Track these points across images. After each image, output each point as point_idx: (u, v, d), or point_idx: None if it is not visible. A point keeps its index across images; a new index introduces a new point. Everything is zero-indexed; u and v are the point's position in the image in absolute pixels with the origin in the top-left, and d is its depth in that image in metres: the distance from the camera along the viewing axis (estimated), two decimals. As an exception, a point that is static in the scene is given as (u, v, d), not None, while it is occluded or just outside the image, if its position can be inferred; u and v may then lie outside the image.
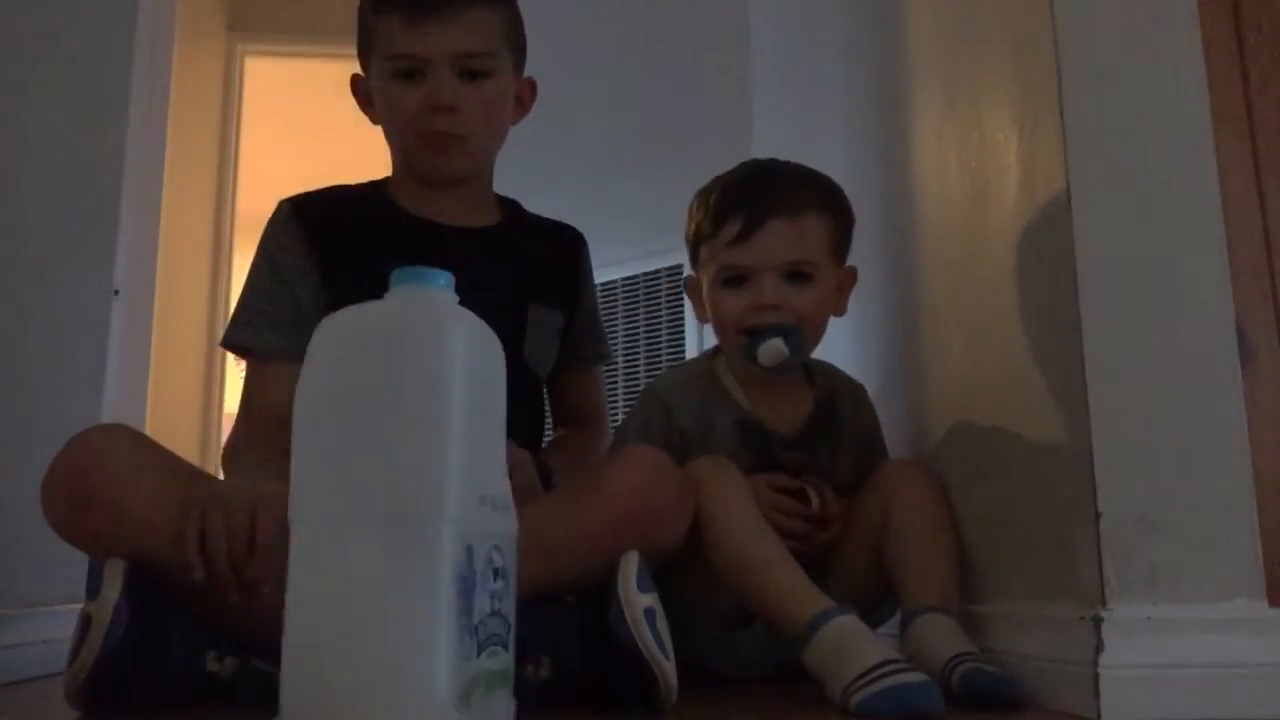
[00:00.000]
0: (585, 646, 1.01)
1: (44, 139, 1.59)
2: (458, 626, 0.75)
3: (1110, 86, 1.02)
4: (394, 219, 1.33)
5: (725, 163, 1.42)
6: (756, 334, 1.31)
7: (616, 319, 3.13)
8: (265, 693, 0.90)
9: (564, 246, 1.44)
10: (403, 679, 0.74)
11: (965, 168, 1.29)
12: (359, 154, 2.80)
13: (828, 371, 1.45)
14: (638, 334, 3.14)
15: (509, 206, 1.43)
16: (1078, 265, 0.99)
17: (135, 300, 1.78)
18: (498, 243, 1.35)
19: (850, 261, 1.39)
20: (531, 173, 1.81)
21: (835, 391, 1.43)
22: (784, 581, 1.13)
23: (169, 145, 2.07)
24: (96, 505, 1.02)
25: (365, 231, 1.31)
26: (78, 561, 1.03)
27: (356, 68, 1.36)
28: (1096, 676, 0.91)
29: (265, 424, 1.20)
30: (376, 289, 0.84)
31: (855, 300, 1.41)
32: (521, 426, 1.21)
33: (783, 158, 1.42)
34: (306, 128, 4.95)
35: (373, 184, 1.39)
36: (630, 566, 1.00)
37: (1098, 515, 0.95)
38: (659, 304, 3.10)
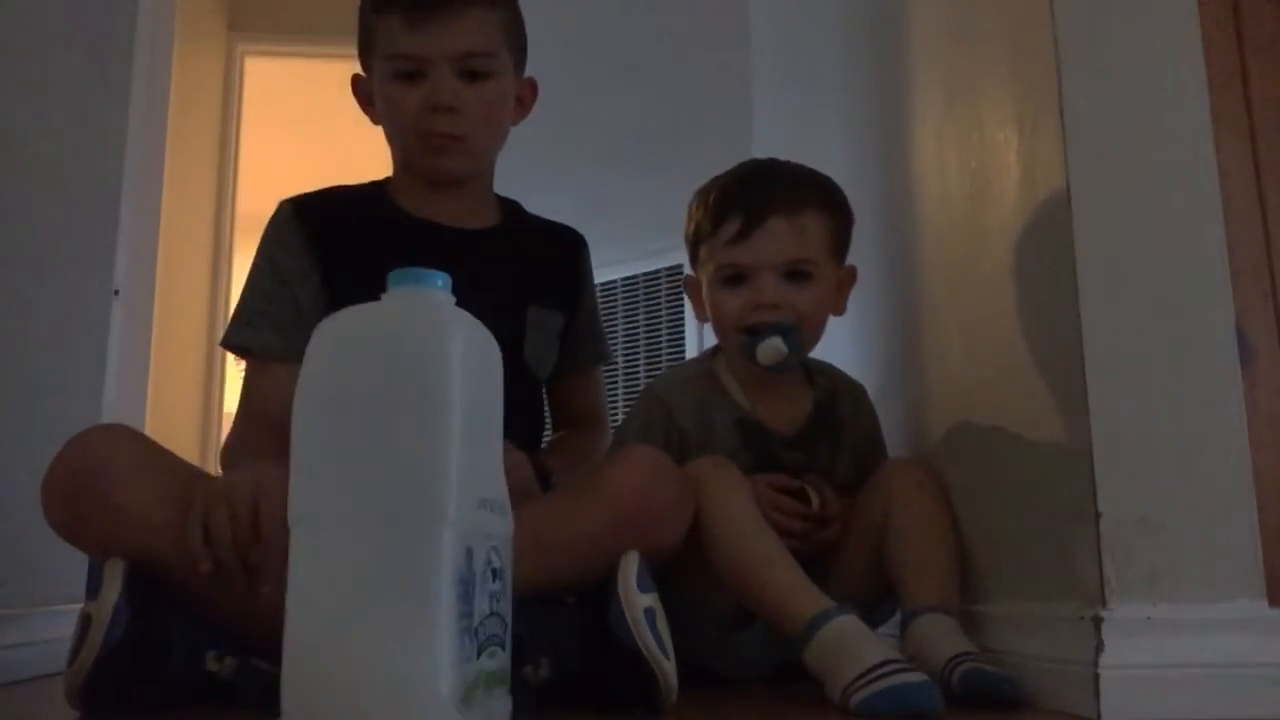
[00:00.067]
0: (585, 647, 1.01)
1: (44, 139, 1.59)
2: (458, 628, 0.75)
3: (1110, 86, 1.02)
4: (394, 220, 1.33)
5: (725, 163, 1.42)
6: (756, 333, 1.31)
7: (616, 319, 3.13)
8: (265, 693, 0.90)
9: (564, 248, 1.44)
10: (404, 680, 0.74)
11: (965, 168, 1.29)
12: (359, 154, 2.80)
13: (827, 371, 1.45)
14: (638, 334, 3.14)
15: (509, 207, 1.43)
16: (1078, 265, 0.99)
17: (135, 300, 1.78)
18: (497, 244, 1.35)
19: (850, 261, 1.39)
20: (531, 173, 1.81)
21: (835, 391, 1.43)
22: (784, 581, 1.13)
23: (169, 145, 2.07)
24: (96, 505, 1.02)
25: (365, 232, 1.31)
26: (78, 561, 1.03)
27: (357, 68, 1.36)
28: (1096, 676, 0.91)
29: (264, 424, 1.20)
30: (376, 290, 0.84)
31: (855, 300, 1.41)
32: (521, 428, 1.22)
33: (783, 158, 1.42)
34: (306, 128, 4.95)
35: (373, 184, 1.39)
36: (630, 566, 1.00)
37: (1098, 515, 0.95)
38: (659, 304, 3.10)
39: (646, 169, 3.04)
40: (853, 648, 1.02)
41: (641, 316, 3.13)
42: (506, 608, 0.82)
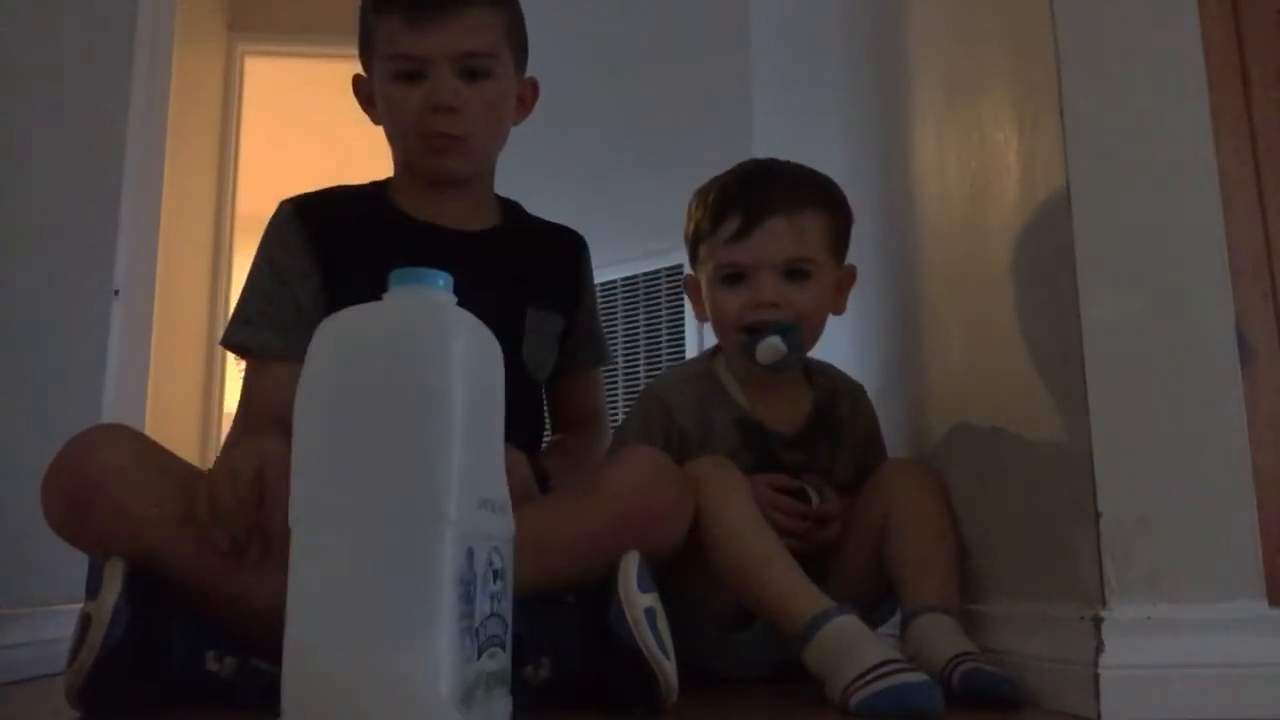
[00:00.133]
0: (585, 646, 1.01)
1: (44, 139, 1.59)
2: (459, 628, 0.75)
3: (1110, 86, 1.02)
4: (394, 221, 1.33)
5: (725, 163, 1.42)
6: (755, 332, 1.31)
7: (616, 319, 3.13)
8: (265, 693, 0.90)
9: (564, 250, 1.44)
10: (405, 680, 0.74)
11: (965, 168, 1.29)
12: (359, 154, 2.80)
13: (827, 372, 1.45)
14: (638, 334, 3.13)
15: (510, 209, 1.43)
16: (1077, 265, 0.99)
17: (135, 300, 1.78)
18: (497, 246, 1.35)
19: (850, 261, 1.39)
20: (532, 172, 1.81)
21: (835, 391, 1.43)
22: (784, 581, 1.13)
23: (169, 145, 2.07)
24: (96, 505, 1.02)
25: (365, 233, 1.31)
26: (78, 561, 1.03)
27: (357, 68, 1.36)
28: (1096, 676, 0.91)
29: (265, 424, 1.20)
30: (376, 290, 0.84)
31: (855, 300, 1.41)
32: (520, 429, 1.22)
33: (783, 158, 1.42)
34: (306, 128, 4.95)
35: (374, 185, 1.39)
36: (631, 566, 1.00)
37: (1098, 515, 0.95)
38: (659, 304, 3.10)
39: (646, 169, 3.04)
40: (853, 648, 1.02)
41: (641, 316, 3.13)
42: (507, 608, 0.82)
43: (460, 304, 0.84)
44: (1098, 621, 0.93)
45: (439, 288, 0.84)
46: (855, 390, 1.46)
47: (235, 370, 3.90)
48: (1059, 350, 1.03)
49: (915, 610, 1.16)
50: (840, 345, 1.56)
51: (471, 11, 1.26)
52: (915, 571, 1.21)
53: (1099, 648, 0.92)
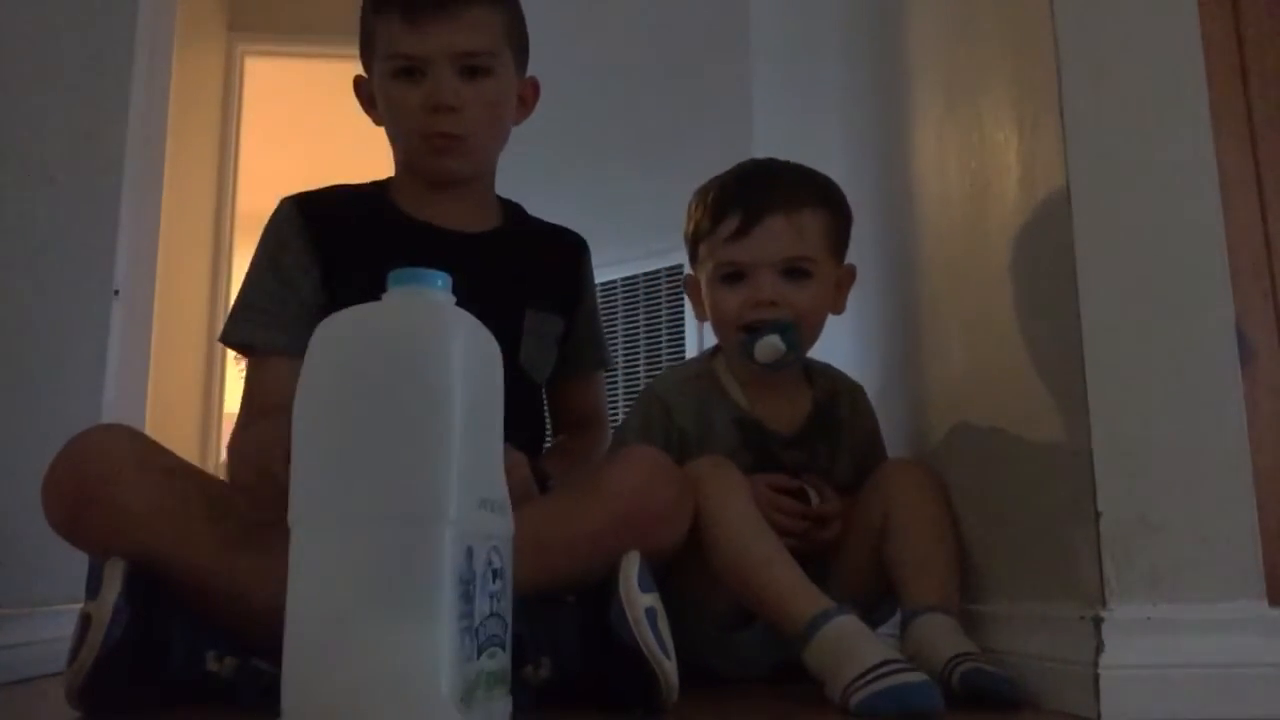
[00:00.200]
0: (586, 646, 1.01)
1: (44, 139, 1.59)
2: (459, 628, 0.75)
3: (1110, 86, 1.02)
4: (394, 221, 1.33)
5: (725, 163, 1.42)
6: (754, 330, 1.31)
7: (616, 319, 3.13)
8: (265, 693, 0.90)
9: (565, 252, 1.44)
10: (405, 680, 0.74)
11: (965, 168, 1.29)
12: (358, 154, 2.80)
13: (827, 372, 1.45)
14: (638, 334, 3.13)
15: (510, 210, 1.42)
16: (1077, 265, 0.99)
17: (135, 300, 1.78)
18: (497, 247, 1.35)
19: (850, 260, 1.40)
20: (532, 172, 1.81)
21: (834, 392, 1.43)
22: (784, 581, 1.13)
23: (169, 145, 2.07)
24: (97, 505, 1.02)
25: (366, 233, 1.31)
26: (78, 561, 1.03)
27: (356, 68, 1.36)
28: (1096, 676, 0.91)
29: (269, 417, 1.20)
30: (376, 290, 0.84)
31: (855, 300, 1.41)
32: (521, 432, 1.22)
33: (783, 158, 1.42)
34: (306, 128, 4.95)
35: (374, 184, 1.38)
36: (631, 566, 1.00)
37: (1098, 515, 0.95)
38: (659, 304, 3.10)
39: (646, 169, 3.04)
40: (853, 648, 1.02)
41: (641, 316, 3.13)
42: (507, 608, 0.82)
43: (458, 305, 0.84)
44: (1098, 621, 0.93)
45: (438, 288, 0.84)
46: (855, 390, 1.46)
47: (235, 370, 3.91)
48: (1059, 350, 1.03)
49: (915, 610, 1.16)
50: (840, 345, 1.56)
51: (471, 10, 1.26)
52: (915, 571, 1.21)
53: (1099, 648, 0.92)
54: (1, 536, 1.37)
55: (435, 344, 0.81)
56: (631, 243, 3.00)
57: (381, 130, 1.35)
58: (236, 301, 1.30)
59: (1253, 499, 0.96)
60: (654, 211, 2.57)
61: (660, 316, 3.10)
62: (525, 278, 1.35)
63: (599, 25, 3.20)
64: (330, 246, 1.29)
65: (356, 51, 1.35)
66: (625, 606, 0.98)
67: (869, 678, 0.97)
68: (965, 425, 1.30)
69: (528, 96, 1.37)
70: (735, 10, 2.70)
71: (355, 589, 0.76)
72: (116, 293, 1.67)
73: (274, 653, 0.78)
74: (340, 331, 0.84)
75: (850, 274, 1.40)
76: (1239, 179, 1.02)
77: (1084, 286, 0.99)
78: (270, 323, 1.26)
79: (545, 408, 1.45)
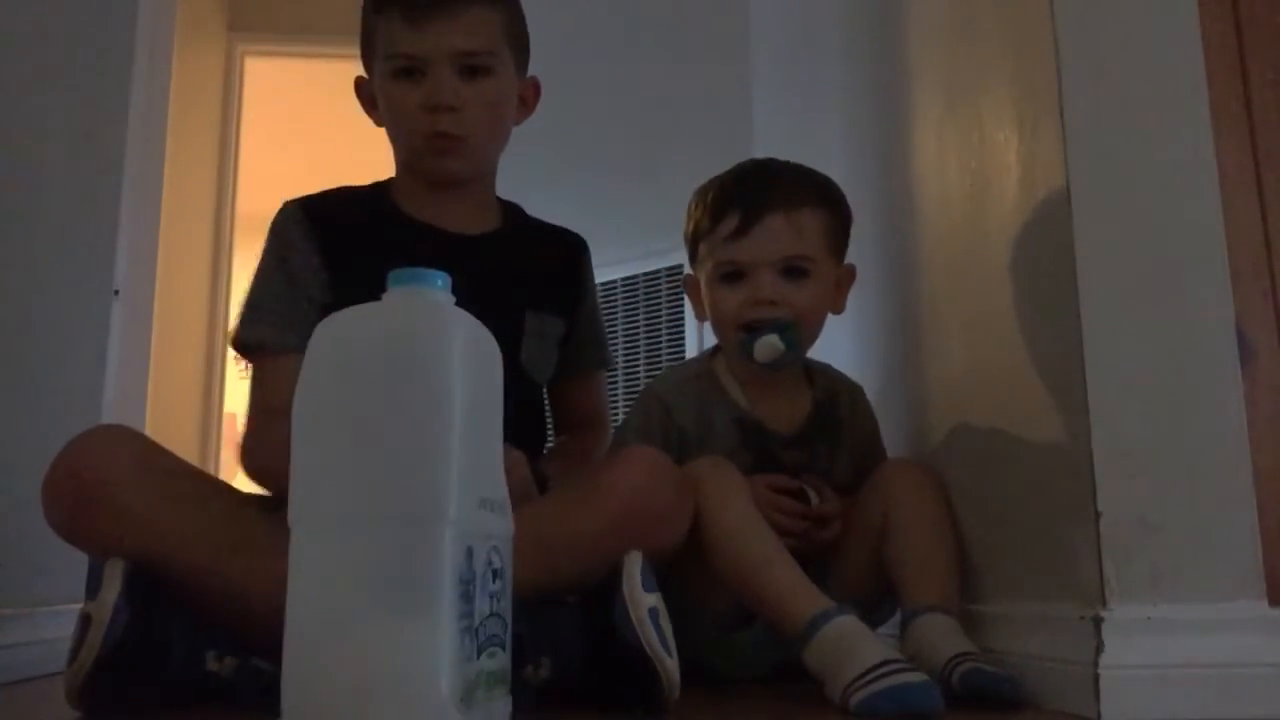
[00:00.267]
0: (587, 646, 1.01)
1: (44, 139, 1.59)
2: (459, 628, 0.75)
3: (1110, 86, 1.02)
4: (396, 222, 1.33)
5: (725, 163, 1.42)
6: (753, 330, 1.31)
7: (616, 319, 3.13)
8: (265, 693, 0.90)
9: (565, 253, 1.44)
10: (405, 680, 0.74)
11: (965, 168, 1.29)
12: (358, 154, 2.80)
13: (827, 372, 1.45)
14: (638, 334, 3.13)
15: (510, 211, 1.42)
16: (1077, 265, 0.99)
17: (135, 300, 1.78)
18: (497, 249, 1.35)
19: (850, 260, 1.40)
20: (531, 173, 1.81)
21: (834, 392, 1.43)
22: (784, 581, 1.13)
23: (169, 145, 2.07)
24: (97, 505, 1.02)
25: (368, 234, 1.31)
26: (78, 561, 1.03)
27: (357, 67, 1.36)
28: (1096, 676, 0.91)
29: (284, 417, 1.19)
30: (379, 292, 0.84)
31: (855, 299, 1.41)
32: (522, 433, 1.22)
33: (782, 158, 1.42)
34: (306, 128, 4.95)
35: (375, 186, 1.38)
36: (635, 566, 1.00)
37: (1098, 515, 0.95)
38: (659, 304, 3.10)
39: (646, 169, 3.04)
40: (853, 648, 1.02)
41: (641, 316, 3.13)
42: (507, 608, 0.82)
43: (459, 306, 0.84)
44: (1098, 621, 0.93)
45: (437, 288, 0.83)
46: (854, 391, 1.46)
47: (235, 370, 3.90)
48: (1059, 350, 1.03)
49: (915, 610, 1.16)
50: (840, 345, 1.56)
51: (471, 10, 1.26)
52: (915, 571, 1.21)
53: (1099, 648, 0.92)
54: (1, 536, 1.37)
55: (435, 344, 0.81)
56: (631, 243, 3.00)
57: (382, 131, 1.35)
58: (245, 305, 1.29)
59: (1253, 499, 0.96)
60: (654, 211, 2.57)
61: (660, 316, 3.10)
62: (526, 279, 1.35)
63: (599, 25, 3.20)
64: (336, 248, 1.29)
65: (357, 51, 1.35)
66: (629, 606, 0.98)
67: (869, 678, 0.97)
68: (965, 425, 1.30)
69: (529, 97, 1.37)
70: (735, 10, 2.70)
71: (355, 589, 0.76)
72: (116, 293, 1.67)
73: (274, 653, 0.78)
74: (340, 331, 0.84)
75: (850, 273, 1.40)
76: (1239, 179, 1.02)
77: (1084, 286, 0.99)
78: (281, 322, 1.26)
79: (546, 408, 1.45)
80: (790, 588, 1.12)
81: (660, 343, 3.09)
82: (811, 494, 1.31)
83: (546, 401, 1.44)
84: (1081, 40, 1.03)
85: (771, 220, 1.31)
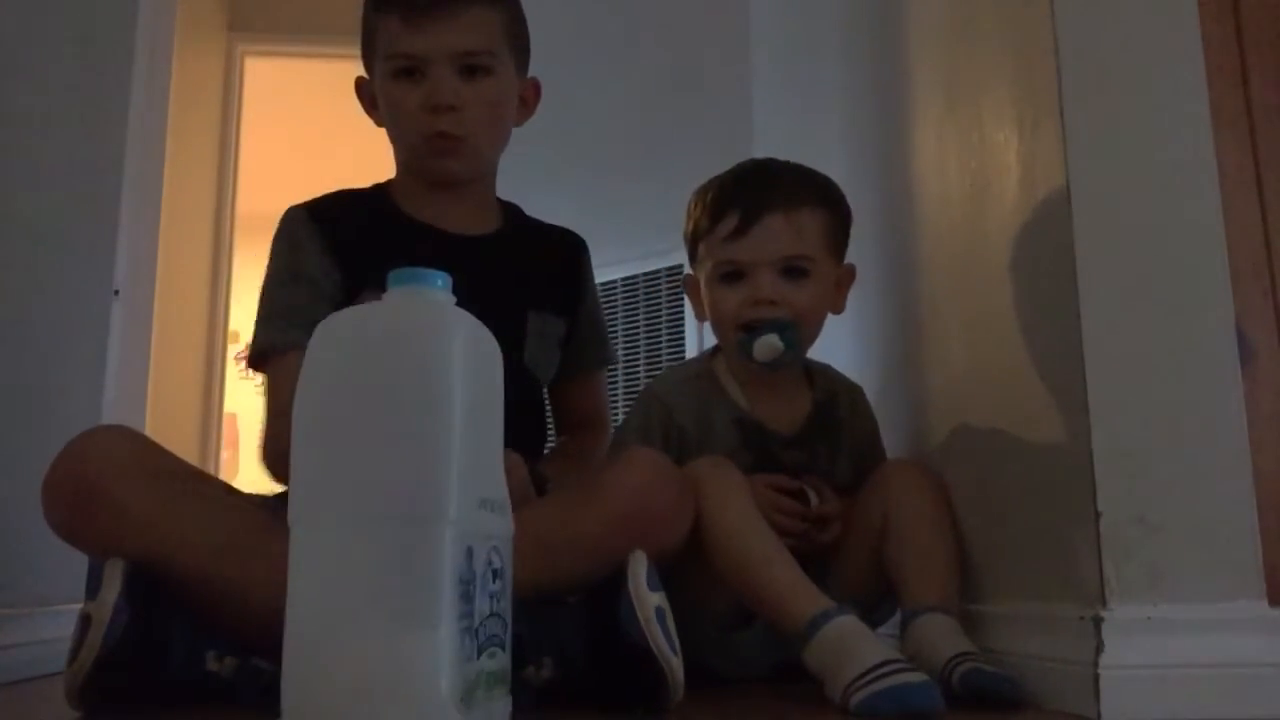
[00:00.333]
0: (589, 646, 1.01)
1: (44, 139, 1.59)
2: (459, 628, 0.75)
3: (1110, 86, 1.02)
4: (398, 223, 1.33)
5: (725, 163, 1.42)
6: (753, 329, 1.31)
7: (616, 319, 3.13)
8: (265, 692, 0.90)
9: (565, 253, 1.44)
10: (405, 680, 0.74)
11: (965, 168, 1.29)
12: (358, 154, 2.80)
13: (826, 372, 1.45)
14: (638, 334, 3.13)
15: (511, 212, 1.42)
16: (1077, 265, 0.99)
17: (135, 300, 1.78)
18: (498, 250, 1.35)
19: (850, 260, 1.40)
20: (531, 173, 1.81)
21: (834, 392, 1.43)
22: (784, 581, 1.13)
23: (169, 145, 2.07)
24: (97, 506, 1.02)
25: (373, 235, 1.31)
26: (78, 561, 1.03)
27: (357, 67, 1.36)
28: (1096, 676, 0.91)
29: None
30: (382, 293, 0.84)
31: (855, 300, 1.41)
32: (523, 433, 1.21)
33: (783, 158, 1.42)
34: (306, 128, 4.96)
35: (376, 187, 1.38)
36: (639, 565, 1.01)
37: (1098, 515, 0.95)
38: (659, 304, 3.10)
39: (646, 169, 3.04)
40: (853, 647, 1.02)
41: (641, 316, 3.13)
42: (507, 608, 0.82)
43: (462, 308, 0.84)
44: (1098, 621, 0.93)
45: (437, 287, 0.83)
46: (854, 391, 1.46)
47: (235, 371, 3.91)
48: (1059, 350, 1.03)
49: (915, 610, 1.16)
50: (840, 345, 1.56)
51: (470, 10, 1.26)
52: (915, 572, 1.21)
53: (1099, 648, 0.92)
54: (1, 536, 1.37)
55: (435, 344, 0.81)
56: (631, 243, 3.00)
57: (381, 131, 1.35)
58: (261, 314, 1.28)
59: (1253, 499, 0.96)
60: (654, 211, 2.57)
61: (660, 316, 3.10)
62: (527, 279, 1.35)
63: (599, 25, 3.20)
64: (344, 249, 1.28)
65: (357, 51, 1.35)
66: (635, 605, 0.98)
67: (869, 678, 0.97)
68: (965, 425, 1.30)
69: (529, 97, 1.37)
70: (735, 10, 2.70)
71: (355, 589, 0.76)
72: (116, 293, 1.67)
73: (274, 653, 0.78)
74: (340, 331, 0.84)
75: (850, 273, 1.40)
76: (1239, 179, 1.02)
77: (1084, 286, 0.99)
78: (302, 323, 1.24)
79: (547, 408, 1.45)
80: (790, 587, 1.12)
81: (660, 343, 3.09)
82: (811, 495, 1.31)
83: (547, 401, 1.44)
84: (1081, 40, 1.03)
85: (771, 220, 1.31)
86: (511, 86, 1.32)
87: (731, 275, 1.33)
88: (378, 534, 0.76)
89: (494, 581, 0.80)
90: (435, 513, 0.76)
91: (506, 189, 1.43)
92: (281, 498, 1.03)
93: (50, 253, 1.59)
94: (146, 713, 0.98)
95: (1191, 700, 0.91)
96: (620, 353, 3.11)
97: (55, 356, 1.58)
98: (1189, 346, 0.98)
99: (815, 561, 1.24)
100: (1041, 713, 0.98)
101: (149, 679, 0.99)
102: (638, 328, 3.14)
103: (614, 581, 1.00)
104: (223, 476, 1.83)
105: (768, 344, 1.30)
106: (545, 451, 1.42)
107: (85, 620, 0.95)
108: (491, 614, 0.79)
